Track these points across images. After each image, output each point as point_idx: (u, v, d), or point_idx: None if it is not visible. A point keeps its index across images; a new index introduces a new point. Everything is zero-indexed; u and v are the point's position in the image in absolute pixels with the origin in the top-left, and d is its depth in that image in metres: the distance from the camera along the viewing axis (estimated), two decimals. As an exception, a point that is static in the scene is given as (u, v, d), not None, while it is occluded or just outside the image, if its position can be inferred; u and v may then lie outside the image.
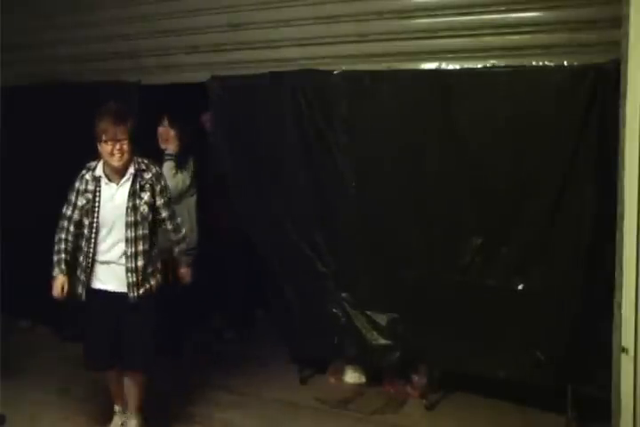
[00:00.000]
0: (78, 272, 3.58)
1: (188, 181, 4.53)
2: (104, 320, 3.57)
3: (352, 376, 4.47)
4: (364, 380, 4.45)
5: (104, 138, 3.43)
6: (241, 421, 4.03)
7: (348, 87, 3.91)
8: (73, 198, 3.54)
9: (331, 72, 3.95)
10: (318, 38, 4.05)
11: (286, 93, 4.06)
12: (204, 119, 4.90)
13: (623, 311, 2.82)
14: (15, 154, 5.05)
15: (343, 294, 4.15)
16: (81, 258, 3.57)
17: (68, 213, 3.56)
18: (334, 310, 4.18)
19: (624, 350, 2.83)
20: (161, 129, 4.53)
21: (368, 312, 4.10)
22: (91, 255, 3.51)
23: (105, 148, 3.44)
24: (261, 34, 4.20)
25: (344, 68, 3.94)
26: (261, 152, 4.26)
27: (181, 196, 4.47)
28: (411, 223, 3.89)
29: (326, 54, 4.03)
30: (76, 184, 3.55)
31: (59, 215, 3.58)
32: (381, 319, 4.06)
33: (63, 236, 3.56)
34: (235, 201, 4.43)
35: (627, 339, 2.82)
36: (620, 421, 2.89)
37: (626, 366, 2.83)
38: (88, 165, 3.60)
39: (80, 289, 3.57)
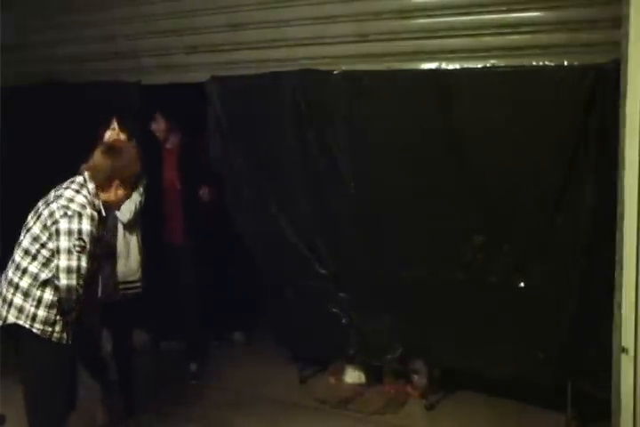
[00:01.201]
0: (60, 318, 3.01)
1: (143, 201, 3.95)
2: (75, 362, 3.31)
3: (352, 376, 4.47)
4: (364, 380, 4.45)
5: (130, 182, 3.11)
6: (241, 421, 4.03)
7: (348, 87, 3.90)
8: (89, 246, 2.93)
9: (331, 72, 3.95)
10: (318, 38, 4.04)
11: (286, 93, 4.06)
12: (154, 128, 4.51)
13: (623, 311, 2.83)
14: (15, 154, 5.05)
15: (342, 294, 4.16)
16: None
17: (84, 264, 2.93)
18: (334, 310, 4.18)
19: (624, 350, 2.83)
20: (109, 133, 3.67)
21: (368, 312, 4.10)
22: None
23: (122, 192, 3.10)
24: (261, 34, 4.20)
25: (344, 68, 3.94)
26: (261, 152, 4.25)
27: (136, 221, 3.98)
28: (411, 222, 3.88)
29: (326, 54, 4.03)
30: (90, 228, 2.93)
31: (70, 267, 2.89)
32: (382, 319, 4.06)
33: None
34: (232, 202, 4.43)
35: (627, 339, 2.82)
36: (620, 420, 2.90)
37: (626, 366, 2.84)
38: (91, 201, 3.00)
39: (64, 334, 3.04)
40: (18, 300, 2.98)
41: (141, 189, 3.90)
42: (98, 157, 3.11)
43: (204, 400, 4.29)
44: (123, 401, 4.03)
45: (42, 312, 2.97)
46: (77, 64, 4.97)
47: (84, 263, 2.93)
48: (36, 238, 2.98)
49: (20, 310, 2.97)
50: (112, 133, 3.69)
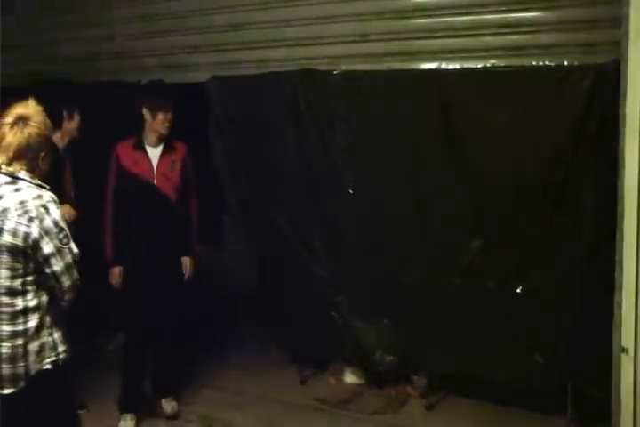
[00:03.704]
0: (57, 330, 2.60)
1: None
2: None
3: (352, 376, 4.48)
4: (363, 380, 4.45)
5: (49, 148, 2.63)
6: (241, 421, 4.03)
7: (348, 87, 3.90)
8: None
9: (331, 72, 3.95)
10: (318, 38, 4.05)
11: (286, 93, 4.06)
12: (56, 137, 3.79)
13: (623, 311, 2.82)
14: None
15: (339, 297, 4.14)
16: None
17: (75, 250, 2.60)
18: (332, 313, 4.17)
19: (624, 350, 2.83)
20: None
21: (365, 315, 4.08)
22: None
23: (47, 162, 2.63)
24: (261, 34, 4.20)
25: (344, 68, 3.94)
26: (260, 152, 4.25)
27: None
28: (409, 225, 3.87)
29: (326, 54, 4.03)
30: (59, 211, 2.53)
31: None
32: (379, 322, 4.04)
33: None
34: (232, 202, 4.43)
35: (627, 339, 2.82)
36: (620, 420, 2.89)
37: (626, 366, 2.83)
38: (37, 185, 2.53)
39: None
40: (33, 345, 2.50)
41: None
42: (8, 135, 2.48)
43: (204, 400, 4.29)
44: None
45: (57, 334, 2.56)
46: (78, 64, 4.97)
47: (75, 249, 2.53)
48: (13, 270, 2.44)
49: (41, 349, 2.50)
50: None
